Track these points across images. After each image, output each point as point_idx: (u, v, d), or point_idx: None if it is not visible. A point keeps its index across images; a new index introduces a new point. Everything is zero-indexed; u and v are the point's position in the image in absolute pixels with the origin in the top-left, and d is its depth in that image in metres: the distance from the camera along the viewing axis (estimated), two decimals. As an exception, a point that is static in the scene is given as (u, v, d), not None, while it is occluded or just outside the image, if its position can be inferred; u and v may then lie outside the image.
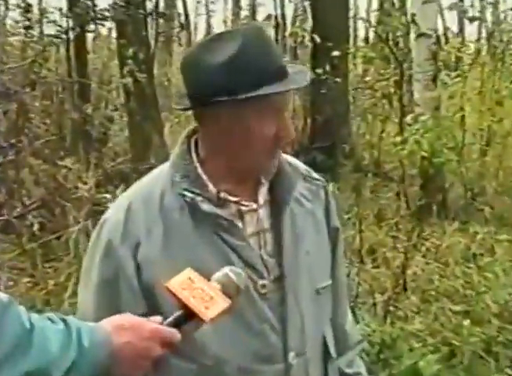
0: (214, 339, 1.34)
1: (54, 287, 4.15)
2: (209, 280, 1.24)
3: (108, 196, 4.45)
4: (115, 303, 1.36)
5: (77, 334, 1.15)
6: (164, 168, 1.43)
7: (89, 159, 5.72)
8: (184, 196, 1.37)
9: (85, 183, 4.91)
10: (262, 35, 1.35)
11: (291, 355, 1.41)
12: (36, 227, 4.78)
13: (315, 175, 1.55)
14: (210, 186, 1.38)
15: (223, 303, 1.21)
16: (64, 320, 1.17)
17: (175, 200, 1.38)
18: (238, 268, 1.29)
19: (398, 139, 5.83)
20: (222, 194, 1.38)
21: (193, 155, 1.41)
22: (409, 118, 5.98)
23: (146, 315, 1.32)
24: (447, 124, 5.87)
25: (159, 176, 1.42)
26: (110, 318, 1.21)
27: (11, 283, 4.14)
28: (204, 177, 1.39)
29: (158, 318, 1.22)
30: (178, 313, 1.22)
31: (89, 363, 1.14)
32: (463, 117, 6.07)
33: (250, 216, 1.41)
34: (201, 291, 1.21)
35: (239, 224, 1.39)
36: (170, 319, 1.21)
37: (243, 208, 1.40)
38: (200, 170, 1.39)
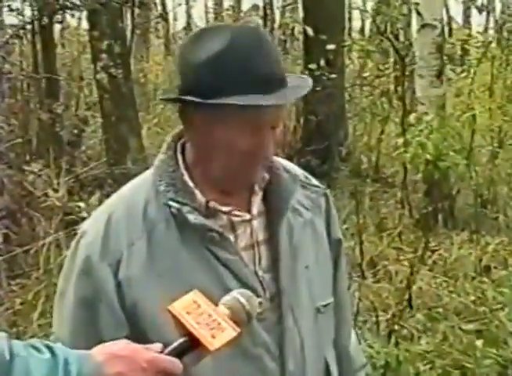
0: (206, 364, 1.30)
1: (21, 306, 4.11)
2: (216, 304, 1.22)
3: (82, 204, 4.43)
4: (94, 326, 1.34)
5: (64, 365, 1.13)
6: (147, 175, 1.42)
7: (60, 164, 5.69)
8: (169, 206, 1.35)
9: (56, 191, 4.88)
10: (255, 37, 1.32)
11: None
12: (0, 239, 4.74)
13: (314, 181, 1.55)
14: (199, 195, 1.37)
15: (231, 331, 1.18)
16: (51, 349, 1.15)
17: (160, 211, 1.36)
18: (248, 291, 1.27)
19: (400, 140, 5.85)
20: (212, 204, 1.37)
21: (180, 161, 1.40)
22: (411, 118, 6.00)
23: (127, 338, 1.29)
24: (454, 125, 5.90)
25: (142, 184, 1.41)
26: (103, 345, 1.18)
27: (-28, 301, 4.10)
28: (191, 185, 1.38)
29: (158, 345, 1.19)
30: (180, 341, 1.19)
31: None
32: (472, 116, 6.10)
33: (243, 228, 1.40)
34: (207, 317, 1.19)
35: (231, 237, 1.38)
36: (171, 347, 1.18)
37: (235, 219, 1.39)
38: (186, 177, 1.38)
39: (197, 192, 1.37)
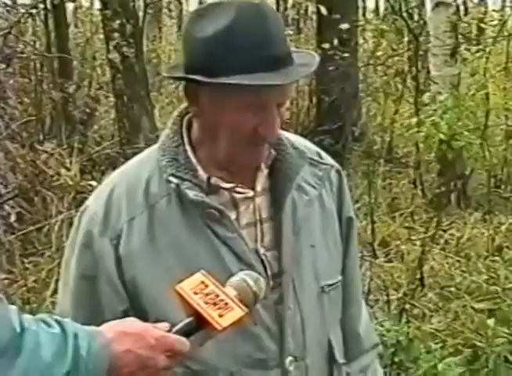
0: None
1: (34, 283, 4.15)
2: (223, 285, 1.23)
3: (94, 183, 4.44)
4: (94, 299, 1.36)
5: (74, 340, 1.13)
6: (152, 150, 1.41)
7: (72, 143, 5.70)
8: (170, 182, 1.35)
9: (68, 169, 4.90)
10: (260, 13, 1.29)
11: (288, 360, 1.39)
12: (13, 218, 4.77)
13: (325, 158, 1.52)
14: (201, 171, 1.36)
15: (239, 311, 1.19)
16: (61, 324, 1.15)
17: (162, 187, 1.36)
18: (255, 273, 1.27)
19: (413, 120, 5.82)
20: (213, 180, 1.37)
21: (184, 136, 1.39)
22: (425, 98, 5.97)
23: (127, 311, 1.33)
24: (468, 104, 5.86)
25: (146, 159, 1.41)
26: (112, 323, 1.19)
27: (-14, 280, 4.14)
28: (194, 160, 1.37)
29: (165, 324, 1.20)
30: (187, 320, 1.20)
31: (86, 373, 1.13)
32: (486, 95, 6.05)
33: (245, 205, 1.39)
34: (215, 297, 1.19)
35: (233, 213, 1.37)
36: (178, 326, 1.19)
37: (238, 196, 1.38)
38: (190, 153, 1.37)
39: (199, 168, 1.37)
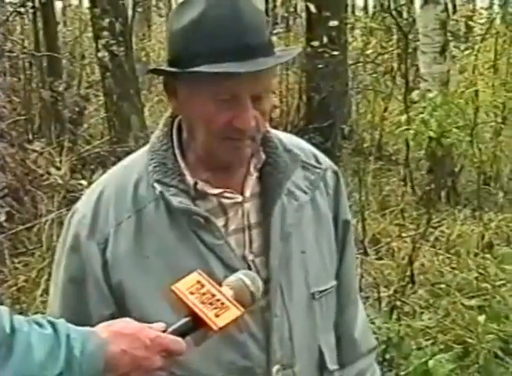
0: (191, 349, 1.29)
1: (24, 283, 4.13)
2: (220, 284, 1.21)
3: (84, 182, 4.43)
4: (82, 302, 1.34)
5: (66, 340, 1.12)
6: (143, 152, 1.39)
7: (62, 142, 5.69)
8: (154, 188, 1.33)
9: (58, 169, 4.88)
10: (232, 3, 1.27)
11: (276, 368, 1.37)
12: (3, 217, 4.74)
13: (322, 160, 1.48)
14: (188, 176, 1.34)
15: (235, 311, 1.18)
16: (53, 325, 1.14)
17: (150, 191, 1.34)
18: (252, 272, 1.26)
19: (403, 118, 5.83)
20: (200, 186, 1.34)
21: (174, 139, 1.36)
22: (414, 95, 5.97)
23: (113, 315, 1.31)
24: (457, 101, 5.86)
25: (136, 162, 1.38)
26: (107, 323, 1.18)
27: (-24, 279, 4.12)
28: (182, 165, 1.35)
29: (161, 324, 1.19)
30: (183, 321, 1.19)
31: (79, 374, 1.12)
32: (475, 93, 6.07)
33: (234, 210, 1.36)
34: (211, 297, 1.18)
35: (221, 219, 1.35)
36: (174, 326, 1.18)
37: (226, 201, 1.36)
38: (179, 157, 1.35)
39: (187, 173, 1.34)
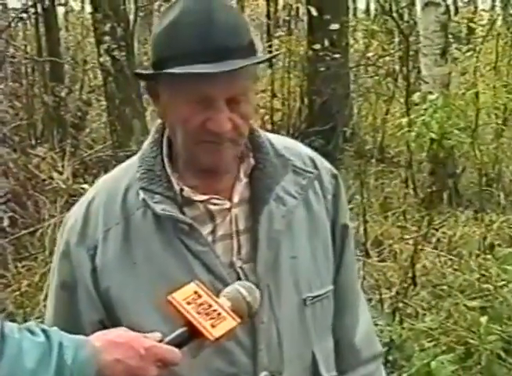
0: None
1: (27, 288, 4.14)
2: (218, 295, 1.21)
3: (86, 186, 4.43)
4: (73, 308, 1.35)
5: (58, 348, 1.12)
6: (135, 159, 1.39)
7: (64, 147, 5.70)
8: (139, 195, 1.33)
9: (60, 173, 4.90)
10: (205, 5, 1.27)
11: (263, 374, 1.35)
12: (6, 222, 4.76)
13: (318, 163, 1.45)
14: (174, 183, 1.34)
15: (231, 321, 1.18)
16: (46, 332, 1.14)
17: (138, 198, 1.34)
18: (249, 283, 1.25)
19: (404, 120, 5.83)
20: (186, 192, 1.34)
21: (164, 145, 1.36)
22: (415, 97, 5.98)
23: (103, 321, 1.32)
24: (458, 103, 5.87)
25: (127, 169, 1.38)
26: (102, 332, 1.18)
27: (-21, 284, 4.13)
28: (169, 171, 1.34)
29: (157, 334, 1.19)
30: (179, 331, 1.19)
31: None
32: (476, 94, 6.07)
33: (222, 216, 1.35)
34: (208, 307, 1.18)
35: (209, 226, 1.34)
36: (171, 336, 1.18)
37: (214, 208, 1.35)
38: (166, 163, 1.35)
39: (173, 179, 1.34)
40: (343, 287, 1.49)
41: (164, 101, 1.32)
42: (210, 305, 1.18)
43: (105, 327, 1.29)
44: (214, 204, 1.35)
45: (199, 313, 1.17)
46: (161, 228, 1.33)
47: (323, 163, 1.48)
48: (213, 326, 1.16)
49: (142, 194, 1.32)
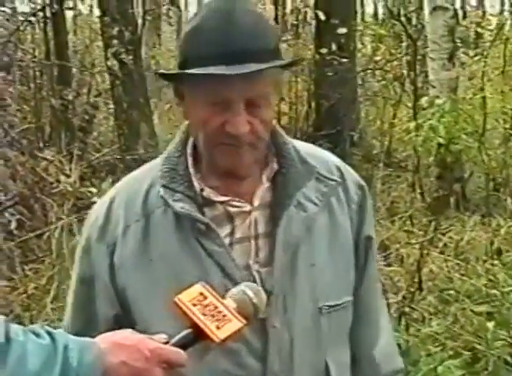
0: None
1: (34, 290, 4.15)
2: (223, 297, 1.21)
3: (93, 190, 4.46)
4: (91, 303, 1.38)
5: (63, 350, 1.12)
6: (160, 159, 1.41)
7: (72, 150, 5.72)
8: (159, 192, 1.35)
9: (68, 176, 4.91)
10: (227, 9, 1.29)
11: None
12: (13, 225, 4.77)
13: (345, 173, 1.45)
14: (195, 183, 1.35)
15: (237, 323, 1.18)
16: (51, 335, 1.15)
17: (160, 196, 1.35)
18: (255, 284, 1.25)
19: (412, 124, 5.83)
20: (206, 192, 1.35)
21: (189, 145, 1.38)
22: (423, 102, 5.97)
23: (118, 317, 1.35)
24: (466, 108, 5.86)
25: (152, 167, 1.41)
26: (107, 334, 1.19)
27: (-14, 287, 4.14)
28: (191, 171, 1.36)
29: (163, 336, 1.19)
30: (185, 332, 1.19)
31: None
32: (483, 99, 6.06)
33: (241, 219, 1.36)
34: (213, 309, 1.18)
35: (227, 227, 1.35)
36: (176, 338, 1.18)
37: (233, 209, 1.36)
38: (190, 163, 1.37)
39: (195, 179, 1.35)
40: (363, 300, 1.47)
41: (186, 102, 1.34)
42: (215, 307, 1.18)
43: (119, 324, 1.31)
44: (234, 206, 1.36)
45: (204, 315, 1.17)
46: (180, 227, 1.34)
47: (350, 173, 1.47)
48: (218, 327, 1.16)
49: (162, 192, 1.34)
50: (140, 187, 1.38)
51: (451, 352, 3.49)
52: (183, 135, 1.40)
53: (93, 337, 1.27)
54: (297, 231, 1.36)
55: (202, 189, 1.35)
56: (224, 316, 1.18)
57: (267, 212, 1.37)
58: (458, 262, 4.53)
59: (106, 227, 1.37)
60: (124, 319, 1.35)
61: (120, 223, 1.36)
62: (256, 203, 1.37)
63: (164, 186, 1.34)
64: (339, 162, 1.48)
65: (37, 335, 1.14)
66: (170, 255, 1.34)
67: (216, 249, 1.33)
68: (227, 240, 1.35)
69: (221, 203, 1.35)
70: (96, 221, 1.38)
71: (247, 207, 1.36)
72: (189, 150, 1.38)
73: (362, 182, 1.48)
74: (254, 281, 1.33)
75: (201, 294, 1.20)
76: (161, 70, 1.42)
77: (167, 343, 1.17)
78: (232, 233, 1.36)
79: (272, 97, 1.33)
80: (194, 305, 1.18)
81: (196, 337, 1.18)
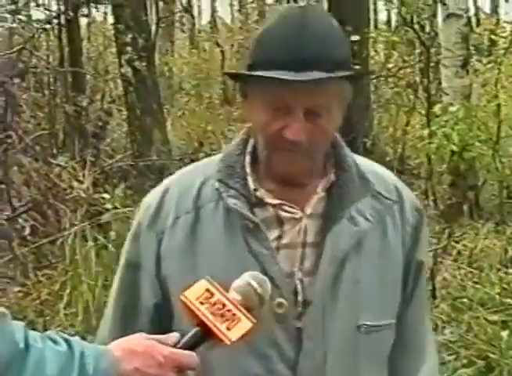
0: (213, 356, 1.29)
1: (47, 296, 4.17)
2: (227, 289, 1.20)
3: (106, 196, 4.48)
4: (135, 287, 1.39)
5: (80, 357, 1.13)
6: (218, 156, 1.42)
7: (85, 156, 5.75)
8: (214, 186, 1.36)
9: (81, 183, 4.93)
10: (300, 15, 1.30)
11: None
12: (27, 231, 4.80)
13: (403, 194, 1.42)
14: (250, 182, 1.35)
15: (247, 322, 1.16)
16: (68, 341, 1.15)
17: (214, 192, 1.36)
18: (261, 275, 1.23)
19: (425, 131, 5.83)
20: (259, 193, 1.35)
21: (249, 145, 1.39)
22: (436, 109, 5.96)
23: (158, 306, 1.36)
24: (480, 115, 5.85)
25: (208, 164, 1.42)
26: (120, 341, 1.19)
27: None
28: (248, 170, 1.36)
29: (176, 334, 1.19)
30: (193, 331, 1.18)
31: None
32: (497, 106, 6.04)
33: (291, 225, 1.35)
34: (221, 307, 1.17)
35: (275, 231, 1.34)
36: (186, 337, 1.18)
37: (283, 214, 1.35)
38: (248, 162, 1.37)
39: (250, 179, 1.35)
40: (408, 325, 1.43)
41: (249, 103, 1.35)
42: (223, 305, 1.17)
43: (159, 313, 1.35)
44: (286, 211, 1.35)
45: (213, 314, 1.16)
46: (229, 224, 1.34)
47: (409, 195, 1.45)
48: (228, 328, 1.15)
49: (217, 185, 1.35)
50: (194, 181, 1.39)
51: (465, 361, 3.48)
52: (245, 135, 1.40)
53: (133, 326, 1.33)
54: (346, 245, 1.34)
55: (256, 189, 1.35)
56: (233, 315, 1.16)
57: (318, 222, 1.36)
58: (471, 270, 4.51)
59: (157, 216, 1.38)
60: (163, 309, 1.35)
61: (170, 214, 1.37)
62: (308, 211, 1.35)
63: (219, 181, 1.35)
64: (398, 182, 1.45)
65: (55, 342, 1.15)
66: (215, 251, 1.34)
67: (262, 251, 1.33)
68: (274, 244, 1.34)
69: (273, 206, 1.35)
70: (148, 209, 1.39)
71: (299, 214, 1.35)
72: (248, 150, 1.38)
73: (419, 206, 1.45)
74: (296, 289, 1.33)
75: (207, 290, 1.19)
76: (229, 70, 1.44)
77: (178, 342, 1.18)
78: (279, 238, 1.35)
79: (336, 109, 1.33)
80: (202, 303, 1.17)
81: (205, 335, 1.18)
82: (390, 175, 1.46)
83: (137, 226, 1.41)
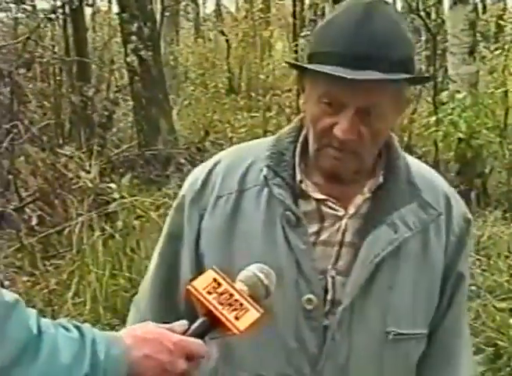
0: (234, 343, 1.30)
1: (55, 286, 4.18)
2: (234, 279, 1.20)
3: (113, 185, 4.48)
4: (176, 257, 1.38)
5: (91, 344, 1.14)
6: (270, 139, 1.40)
7: (91, 146, 5.75)
8: (261, 171, 1.34)
9: (88, 172, 4.94)
10: (364, 11, 1.26)
11: None
12: (34, 221, 4.81)
13: (453, 204, 1.38)
14: (297, 173, 1.34)
15: (255, 312, 1.16)
16: (79, 328, 1.16)
17: (260, 176, 1.34)
18: (266, 266, 1.21)
19: (432, 119, 5.81)
20: (304, 186, 1.33)
21: (302, 134, 1.36)
22: (443, 96, 5.94)
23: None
24: (487, 102, 5.82)
25: (260, 145, 1.40)
26: (131, 328, 1.21)
27: (8, 282, 4.17)
28: (297, 160, 1.34)
29: (184, 322, 1.19)
30: (201, 320, 1.19)
31: None
32: (505, 93, 6.01)
33: (331, 222, 1.33)
34: (229, 297, 1.17)
35: (315, 226, 1.32)
36: (194, 326, 1.18)
37: (326, 210, 1.33)
38: (297, 152, 1.35)
39: (298, 169, 1.34)
40: (442, 338, 1.40)
41: (305, 94, 1.33)
42: (231, 295, 1.17)
43: None
44: (328, 207, 1.33)
45: (221, 304, 1.17)
46: (270, 212, 1.32)
47: (458, 203, 1.41)
48: (236, 318, 1.16)
49: (265, 172, 1.33)
50: (243, 161, 1.37)
51: (473, 348, 3.47)
52: (299, 123, 1.38)
53: (172, 301, 1.36)
54: (382, 250, 1.31)
55: (301, 181, 1.33)
56: (241, 304, 1.17)
57: (359, 223, 1.34)
58: (479, 257, 4.50)
59: (203, 191, 1.37)
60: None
61: (214, 191, 1.36)
62: (351, 210, 1.33)
63: (268, 167, 1.33)
64: (448, 190, 1.41)
65: (67, 329, 1.15)
66: (252, 236, 1.32)
67: (299, 245, 1.31)
68: (311, 239, 1.32)
69: (317, 200, 1.33)
70: (195, 183, 1.38)
71: (341, 212, 1.33)
72: (301, 139, 1.36)
73: (469, 216, 1.42)
74: (326, 287, 1.31)
75: (215, 280, 1.19)
76: (289, 60, 1.43)
77: (187, 330, 1.18)
78: (318, 233, 1.33)
79: (390, 110, 1.29)
80: (209, 293, 1.17)
81: (212, 324, 1.18)
82: (441, 182, 1.41)
83: (181, 198, 1.39)
